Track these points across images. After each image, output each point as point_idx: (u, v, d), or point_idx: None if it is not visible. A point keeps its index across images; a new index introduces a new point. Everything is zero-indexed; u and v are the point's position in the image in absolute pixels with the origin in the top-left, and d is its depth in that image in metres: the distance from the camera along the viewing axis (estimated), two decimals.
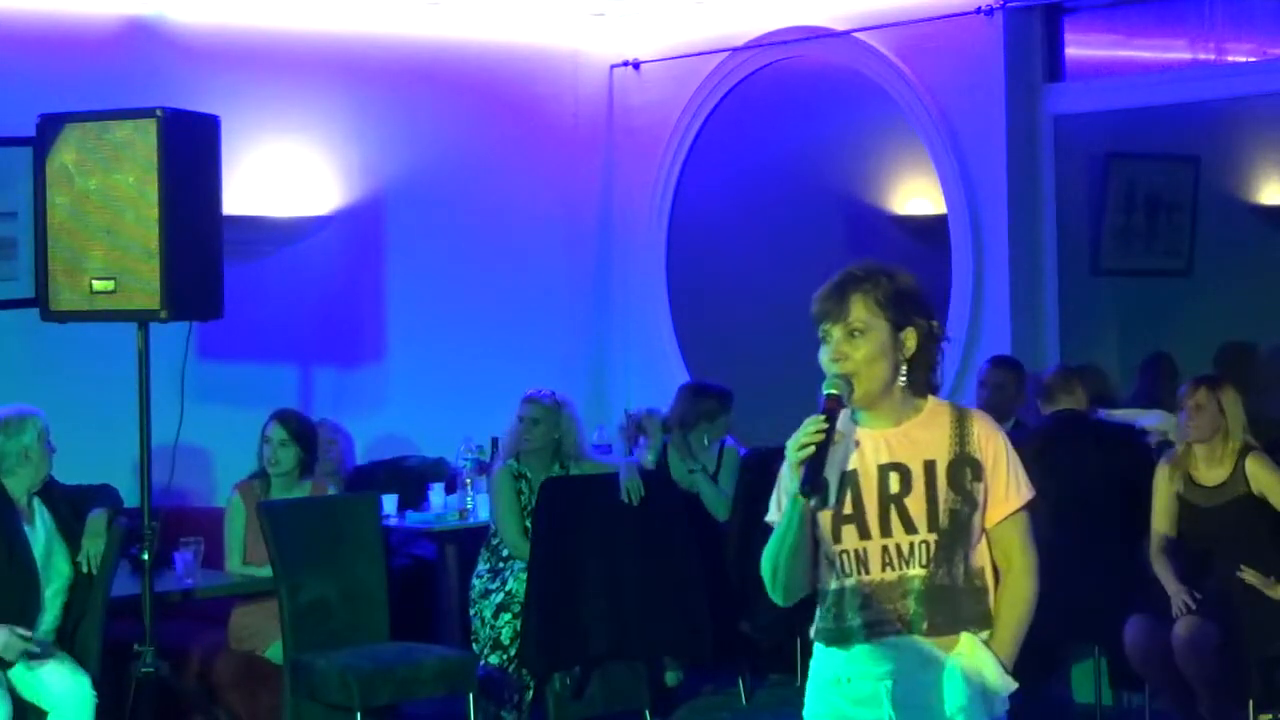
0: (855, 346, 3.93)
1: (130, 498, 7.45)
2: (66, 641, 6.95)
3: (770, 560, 3.98)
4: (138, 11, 9.07)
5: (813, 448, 3.81)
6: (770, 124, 10.76)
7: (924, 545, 3.95)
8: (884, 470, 3.97)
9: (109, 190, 6.95)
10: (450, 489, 9.12)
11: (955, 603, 3.96)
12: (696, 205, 10.64)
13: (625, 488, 7.93)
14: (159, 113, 6.92)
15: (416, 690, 7.55)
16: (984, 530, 3.99)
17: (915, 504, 3.96)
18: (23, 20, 8.72)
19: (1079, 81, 9.33)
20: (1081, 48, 9.39)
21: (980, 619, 3.97)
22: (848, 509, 3.96)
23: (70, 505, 7.04)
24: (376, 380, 9.85)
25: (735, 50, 10.28)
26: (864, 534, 3.96)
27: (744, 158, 10.74)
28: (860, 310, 3.95)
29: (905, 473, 3.98)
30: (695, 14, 10.35)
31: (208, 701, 7.74)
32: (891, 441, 4.00)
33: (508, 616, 7.98)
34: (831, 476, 3.91)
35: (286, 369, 9.55)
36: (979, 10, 9.11)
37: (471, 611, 8.16)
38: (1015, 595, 4.01)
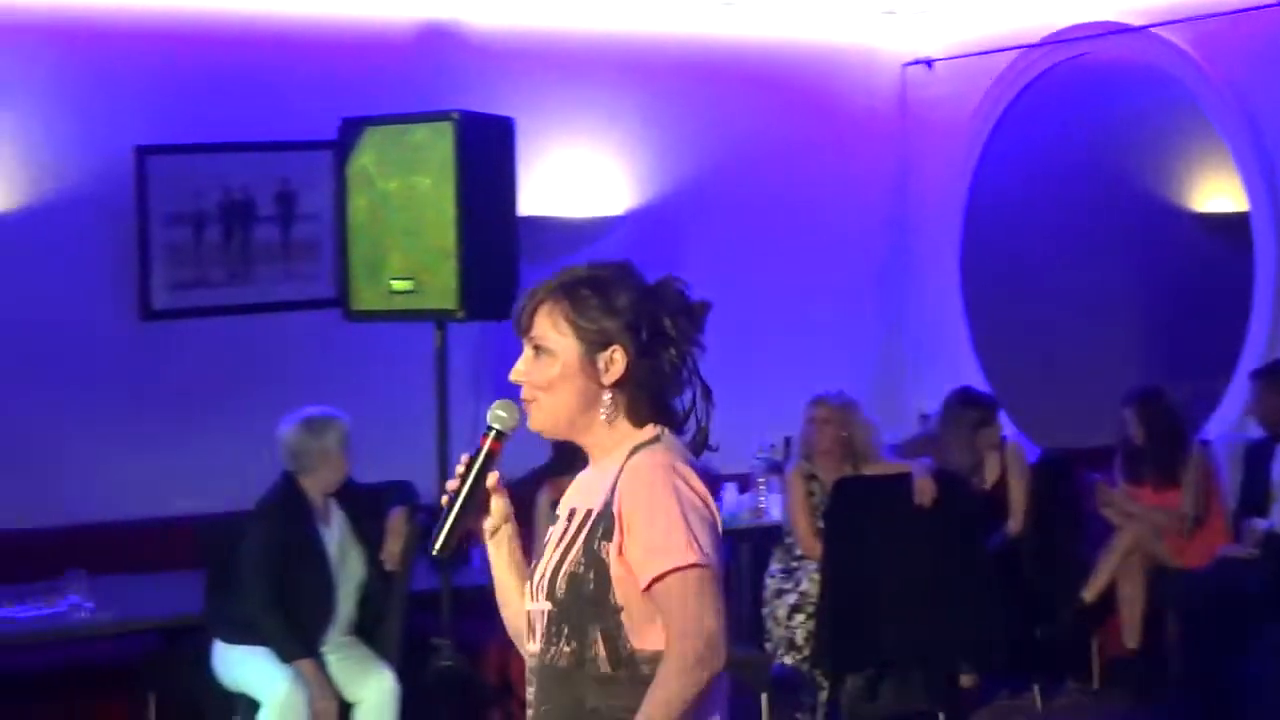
0: (538, 368, 3.31)
1: (428, 496, 7.56)
2: (367, 636, 7.08)
3: None
4: (435, 16, 9.22)
5: (452, 493, 3.31)
6: (1065, 121, 10.61)
7: (542, 615, 3.26)
8: (559, 519, 3.32)
9: (407, 192, 7.05)
10: (743, 488, 9.12)
11: (578, 691, 3.20)
12: (990, 204, 10.52)
13: (918, 490, 7.86)
14: (455, 116, 7.00)
15: None
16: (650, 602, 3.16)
17: (550, 564, 3.27)
18: (325, 26, 8.91)
19: None
20: None
21: (623, 715, 3.15)
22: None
23: (367, 504, 7.15)
24: None
25: (1029, 47, 10.15)
26: (529, 595, 3.34)
27: (1038, 155, 10.59)
28: (544, 327, 3.31)
29: (567, 523, 3.29)
30: (988, 11, 10.23)
31: (505, 695, 7.83)
32: (581, 483, 3.34)
33: (801, 617, 7.94)
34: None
35: None
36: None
37: (765, 611, 8.14)
38: (652, 689, 3.13)
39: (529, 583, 3.33)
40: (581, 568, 3.20)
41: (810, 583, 7.95)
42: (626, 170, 9.76)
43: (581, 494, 3.32)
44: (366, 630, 7.08)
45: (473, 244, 6.98)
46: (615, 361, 3.27)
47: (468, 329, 7.25)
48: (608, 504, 3.21)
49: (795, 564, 8.13)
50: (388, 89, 8.44)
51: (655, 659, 3.15)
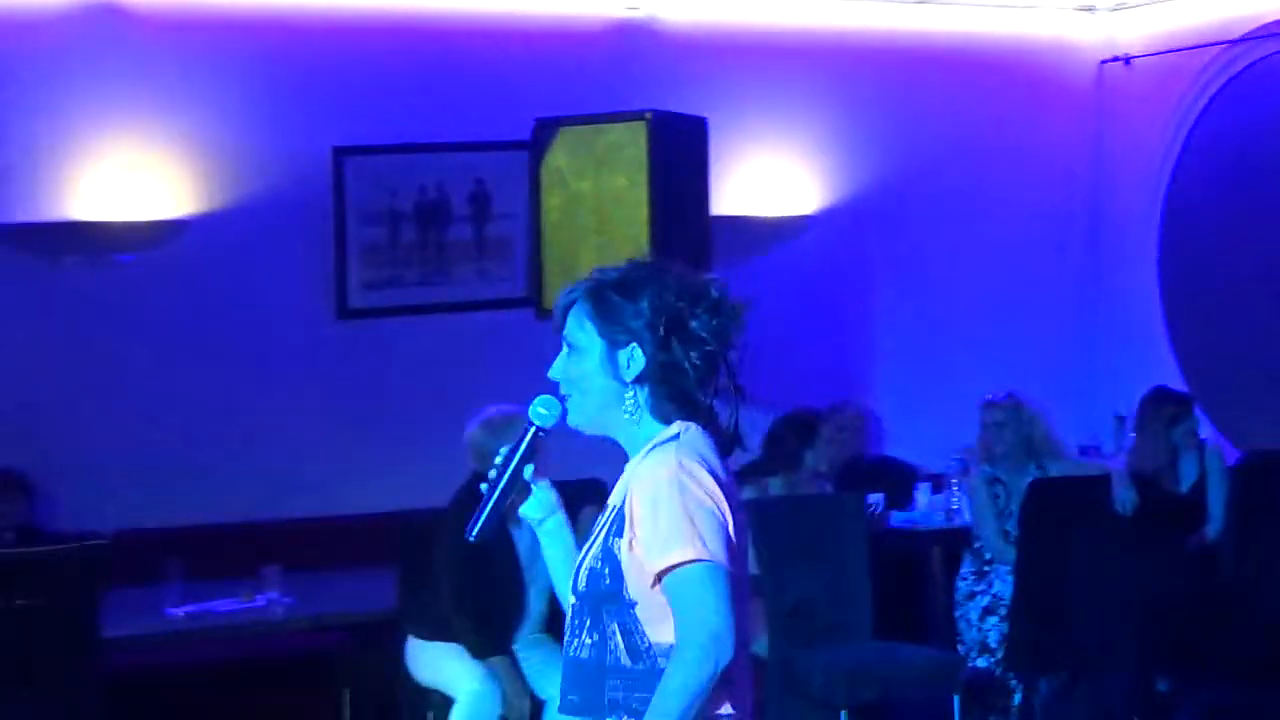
0: (569, 365, 3.43)
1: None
2: (560, 634, 7.09)
3: None
4: (628, 15, 9.24)
5: (491, 482, 3.46)
6: (1268, 118, 10.39)
7: (569, 608, 3.40)
8: (599, 516, 3.41)
9: (600, 192, 7.08)
10: (937, 489, 9.06)
11: (600, 682, 3.29)
12: (1188, 203, 10.34)
13: (1119, 499, 7.75)
14: (649, 116, 7.02)
15: (902, 690, 7.50)
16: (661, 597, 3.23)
17: (579, 560, 3.40)
18: (520, 27, 8.96)
19: None
20: None
21: (640, 706, 3.22)
22: None
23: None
24: (861, 377, 9.83)
25: (1231, 43, 9.96)
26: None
27: (1239, 153, 10.39)
28: (572, 325, 3.43)
29: (601, 519, 3.39)
30: (1188, 5, 10.07)
31: None
32: (625, 480, 3.40)
33: (994, 620, 7.87)
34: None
35: (772, 367, 9.59)
36: None
37: (957, 613, 8.08)
38: (664, 683, 3.18)
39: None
40: (599, 563, 3.30)
41: (1003, 585, 7.87)
42: (819, 169, 9.73)
43: (616, 490, 3.40)
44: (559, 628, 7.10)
45: (665, 243, 6.98)
46: (635, 359, 3.34)
47: None
48: (621, 500, 3.31)
49: (987, 567, 8.06)
50: (582, 89, 8.47)
51: (664, 653, 3.23)
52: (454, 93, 8.85)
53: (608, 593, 3.28)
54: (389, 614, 7.05)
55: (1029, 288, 10.32)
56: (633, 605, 3.25)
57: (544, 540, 3.59)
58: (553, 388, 3.53)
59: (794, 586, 7.56)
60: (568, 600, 3.44)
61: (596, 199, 7.09)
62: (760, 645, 7.67)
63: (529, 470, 3.51)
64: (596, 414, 3.40)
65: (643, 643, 3.25)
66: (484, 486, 3.50)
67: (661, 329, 3.33)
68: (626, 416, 3.37)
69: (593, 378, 3.38)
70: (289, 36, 8.55)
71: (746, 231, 9.30)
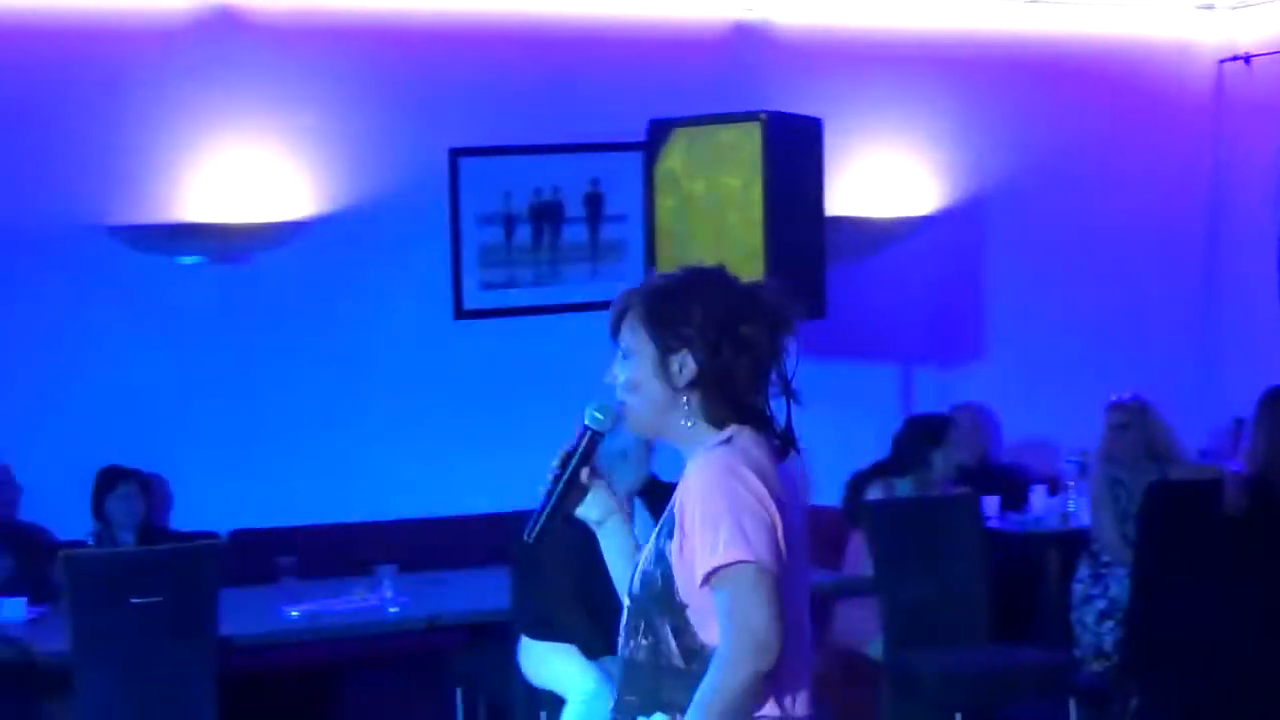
0: (624, 371, 3.47)
1: None
2: None
3: None
4: (743, 16, 9.23)
5: (549, 485, 3.53)
6: None
7: (627, 611, 3.45)
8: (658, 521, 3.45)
9: (715, 193, 7.08)
10: (1053, 491, 9.00)
11: (655, 682, 3.34)
12: None
13: (1231, 502, 7.65)
14: (763, 117, 7.01)
15: (1016, 694, 7.46)
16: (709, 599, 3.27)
17: (636, 563, 3.48)
18: (635, 28, 8.97)
19: None
20: None
21: (687, 706, 3.27)
22: None
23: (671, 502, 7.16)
24: (976, 380, 9.77)
25: None
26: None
27: None
28: (626, 331, 3.47)
29: (661, 524, 3.43)
30: None
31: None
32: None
33: (1110, 624, 7.81)
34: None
35: (886, 368, 9.57)
36: None
37: (1073, 617, 8.02)
38: (706, 683, 3.23)
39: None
40: (652, 565, 3.36)
41: (1119, 589, 7.81)
42: (935, 170, 9.68)
43: (675, 494, 3.42)
44: None
45: (780, 244, 6.98)
46: (687, 366, 3.37)
47: None
48: (674, 505, 3.35)
49: (1103, 569, 8.00)
50: (697, 90, 8.47)
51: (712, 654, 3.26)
52: (569, 94, 8.87)
53: (660, 595, 3.32)
54: (502, 614, 7.07)
55: (1147, 290, 10.22)
56: (684, 607, 3.30)
57: (603, 541, 3.66)
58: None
59: (909, 588, 7.53)
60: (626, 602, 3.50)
61: (710, 200, 7.08)
62: (874, 646, 7.65)
63: (585, 473, 3.57)
64: (652, 419, 3.45)
65: (695, 643, 3.29)
66: (542, 489, 3.55)
67: (713, 335, 3.36)
68: (681, 422, 3.40)
69: (647, 384, 3.42)
70: (406, 40, 8.60)
71: (861, 232, 9.26)
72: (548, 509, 3.54)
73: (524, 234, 8.92)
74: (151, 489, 7.93)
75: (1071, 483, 8.85)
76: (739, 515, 3.23)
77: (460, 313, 8.77)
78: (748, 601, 3.20)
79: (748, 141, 7.00)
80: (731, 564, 3.20)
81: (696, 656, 3.28)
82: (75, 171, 8.11)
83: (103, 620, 6.49)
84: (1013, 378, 9.78)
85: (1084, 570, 8.09)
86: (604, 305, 9.49)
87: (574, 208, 8.99)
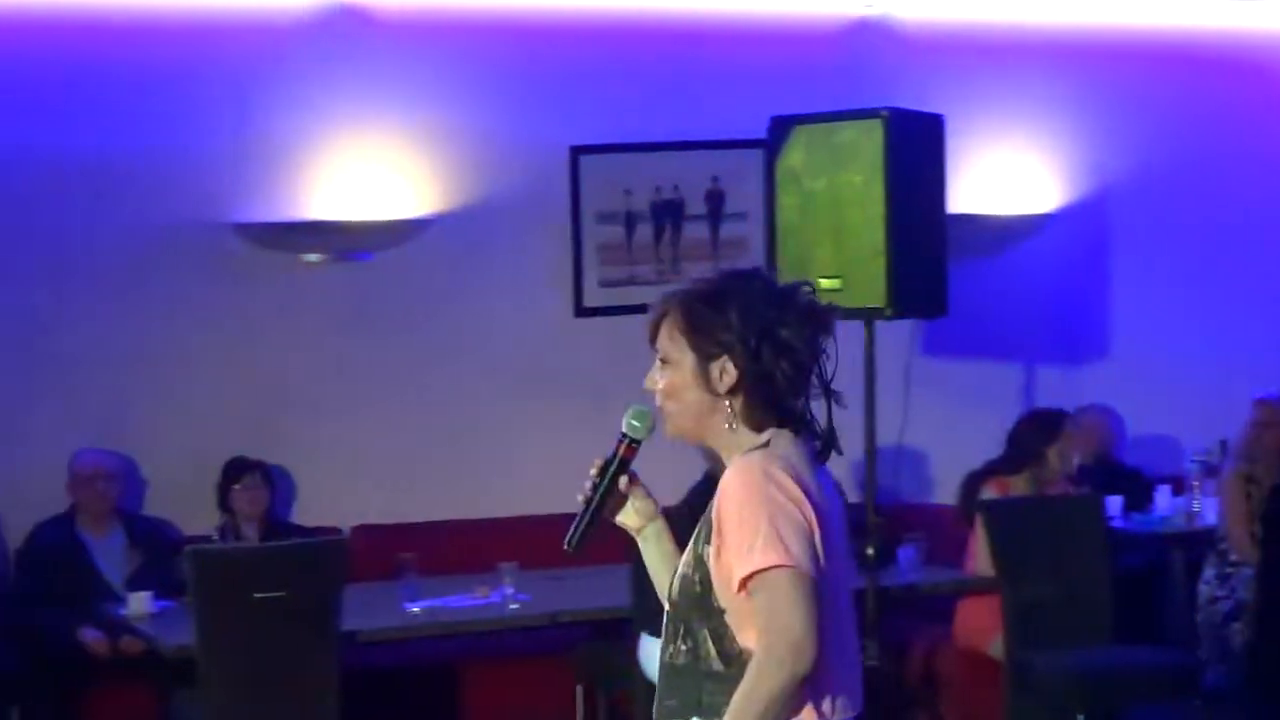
0: (663, 378, 3.49)
1: (852, 493, 7.55)
2: None
3: None
4: (864, 12, 9.19)
5: (587, 494, 3.56)
6: None
7: (666, 616, 3.44)
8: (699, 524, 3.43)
9: (836, 190, 7.04)
10: (1177, 491, 8.91)
11: (695, 687, 3.33)
12: None
13: None
14: (885, 114, 6.97)
15: (1139, 696, 7.40)
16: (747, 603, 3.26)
17: (675, 567, 3.47)
18: (754, 25, 8.96)
19: None
20: None
21: (724, 710, 3.25)
22: None
23: None
24: (1100, 379, 9.68)
25: None
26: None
27: None
28: (664, 338, 3.48)
29: (700, 529, 3.41)
30: None
31: (930, 695, 7.78)
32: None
33: (1237, 625, 7.73)
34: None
35: (1009, 367, 9.51)
36: None
37: (1199, 618, 7.94)
38: (741, 687, 3.22)
39: None
40: (690, 569, 3.35)
41: (1247, 590, 7.73)
42: (1059, 166, 9.60)
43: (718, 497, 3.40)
44: None
45: (901, 242, 6.94)
46: (728, 371, 3.37)
47: (896, 326, 7.21)
48: (711, 508, 3.34)
49: (1230, 570, 7.92)
50: (817, 87, 8.44)
51: (751, 657, 3.25)
52: (690, 91, 8.87)
53: (699, 599, 3.32)
54: (623, 610, 7.09)
55: (1273, 288, 10.09)
56: (723, 611, 3.29)
57: (644, 548, 3.68)
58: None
59: (1032, 587, 7.48)
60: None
61: (831, 197, 7.05)
62: (996, 646, 7.60)
63: (624, 481, 3.60)
64: (693, 425, 3.44)
65: (734, 648, 3.28)
66: (580, 499, 3.58)
67: (752, 340, 3.36)
68: (724, 426, 3.40)
69: (687, 390, 3.42)
70: (528, 38, 8.63)
71: (983, 229, 9.20)
72: (587, 517, 3.58)
73: (645, 231, 8.93)
74: (275, 482, 8.00)
75: (1196, 482, 8.76)
76: (775, 520, 3.22)
77: (580, 310, 8.79)
78: (784, 606, 3.19)
79: (869, 139, 6.96)
80: (768, 569, 3.20)
81: (735, 660, 3.28)
82: (202, 169, 8.19)
83: (227, 614, 6.57)
84: (1137, 376, 9.68)
85: (1210, 571, 8.01)
86: None
87: (695, 205, 8.99)
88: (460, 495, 8.47)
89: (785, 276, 7.18)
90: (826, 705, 3.30)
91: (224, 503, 7.84)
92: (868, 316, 7.09)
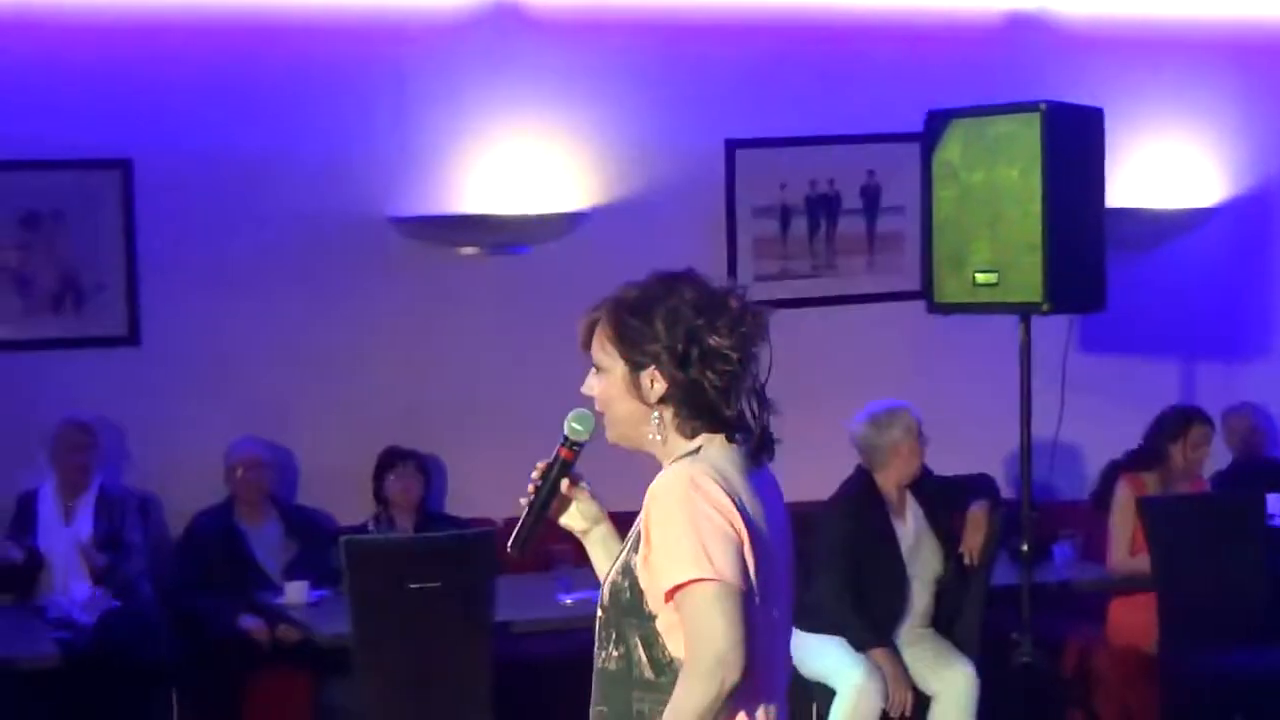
0: (597, 385, 3.43)
1: (1007, 489, 7.49)
2: (945, 630, 7.06)
3: None
4: (1022, 6, 9.12)
5: (529, 497, 3.53)
6: None
7: (598, 622, 3.38)
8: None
9: (993, 184, 6.99)
10: None
11: (626, 694, 3.30)
12: None
13: None
14: (1043, 107, 6.91)
15: None
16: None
17: (606, 573, 3.43)
18: (912, 19, 8.92)
19: None
20: None
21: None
22: None
23: (945, 497, 7.13)
24: (1260, 376, 9.54)
25: None
26: None
27: None
28: (596, 346, 3.42)
29: (630, 536, 3.39)
30: None
31: (1084, 693, 7.71)
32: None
33: None
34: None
35: (1167, 363, 9.40)
36: None
37: None
38: (671, 701, 3.18)
39: None
40: (620, 577, 3.32)
41: None
42: (1222, 160, 9.47)
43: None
44: (944, 623, 7.07)
45: (1059, 236, 6.87)
46: (657, 381, 3.33)
47: (1053, 321, 7.14)
48: (641, 516, 3.29)
49: None
50: (974, 80, 8.40)
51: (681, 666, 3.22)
52: (845, 85, 8.85)
53: (629, 606, 3.29)
54: None
55: None
56: (654, 618, 3.25)
57: (590, 550, 3.65)
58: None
59: (1188, 586, 7.40)
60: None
61: (989, 191, 7.00)
62: (1152, 644, 7.52)
63: (565, 483, 3.59)
64: (627, 432, 3.42)
65: (664, 656, 3.26)
66: (522, 502, 3.56)
67: (680, 350, 3.31)
68: (653, 436, 3.37)
69: (619, 399, 3.39)
70: (683, 33, 8.64)
71: (1143, 224, 9.10)
72: (530, 520, 3.55)
73: (800, 225, 8.92)
74: (429, 472, 8.06)
75: None
76: (700, 531, 3.17)
77: None
78: (709, 619, 3.14)
79: (1027, 132, 6.90)
80: (693, 582, 3.15)
81: (666, 669, 3.25)
82: (361, 164, 8.27)
83: (381, 604, 6.62)
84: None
85: None
86: (880, 297, 9.56)
87: (850, 199, 8.97)
88: (613, 487, 8.46)
89: (941, 271, 7.19)
90: (760, 714, 3.30)
91: (378, 493, 7.92)
92: (1024, 311, 7.03)
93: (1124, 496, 7.94)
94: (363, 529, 7.71)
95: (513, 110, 8.45)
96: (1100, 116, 7.17)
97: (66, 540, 7.66)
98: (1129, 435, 8.17)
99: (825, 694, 6.80)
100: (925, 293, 7.27)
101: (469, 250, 8.44)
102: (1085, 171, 7.06)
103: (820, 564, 6.79)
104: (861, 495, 6.95)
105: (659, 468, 3.39)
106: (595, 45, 8.56)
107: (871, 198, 8.99)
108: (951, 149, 7.10)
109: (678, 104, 8.68)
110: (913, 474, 7.01)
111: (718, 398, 3.33)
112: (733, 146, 8.73)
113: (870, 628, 6.78)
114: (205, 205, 8.18)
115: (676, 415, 3.35)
